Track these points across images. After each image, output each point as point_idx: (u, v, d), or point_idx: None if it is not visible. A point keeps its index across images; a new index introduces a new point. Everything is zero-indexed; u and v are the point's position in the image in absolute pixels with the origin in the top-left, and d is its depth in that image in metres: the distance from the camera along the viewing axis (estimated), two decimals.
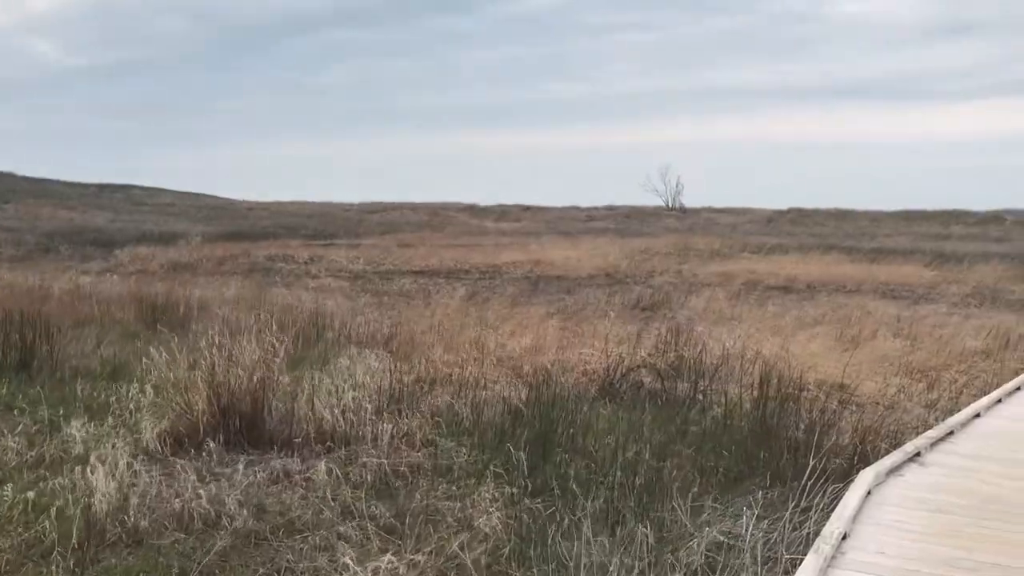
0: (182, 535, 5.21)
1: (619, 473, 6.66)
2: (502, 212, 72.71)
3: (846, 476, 6.53)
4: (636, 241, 41.69)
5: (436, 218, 65.88)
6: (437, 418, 7.16)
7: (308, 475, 6.08)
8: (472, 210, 73.64)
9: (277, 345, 6.96)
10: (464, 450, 6.77)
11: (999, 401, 8.50)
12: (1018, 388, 9.12)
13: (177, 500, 5.44)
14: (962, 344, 13.60)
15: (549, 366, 9.02)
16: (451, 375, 8.89)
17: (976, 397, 9.42)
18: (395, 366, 8.58)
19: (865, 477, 5.77)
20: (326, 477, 5.99)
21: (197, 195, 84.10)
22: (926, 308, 19.40)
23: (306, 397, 6.95)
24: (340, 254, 37.01)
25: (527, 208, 74.24)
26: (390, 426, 6.73)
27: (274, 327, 7.31)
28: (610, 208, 70.99)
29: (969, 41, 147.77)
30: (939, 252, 31.76)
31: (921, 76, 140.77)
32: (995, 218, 53.26)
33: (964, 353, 13.18)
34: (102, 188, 77.41)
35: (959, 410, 8.63)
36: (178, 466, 5.81)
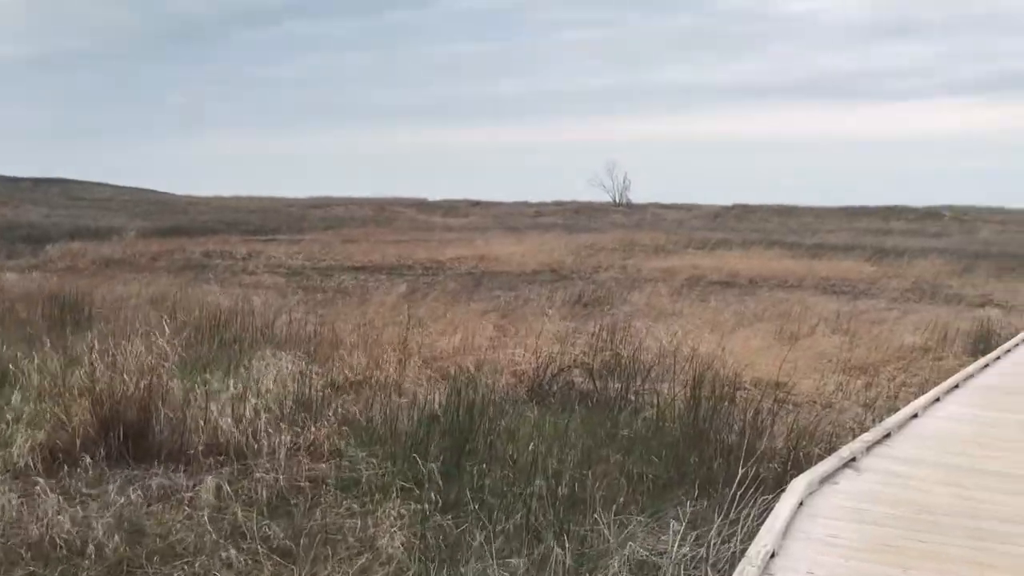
0: (39, 566, 4.62)
1: (541, 483, 6.23)
2: (450, 207, 72.14)
3: (780, 482, 6.18)
4: (583, 237, 41.52)
5: (382, 213, 65.01)
6: (344, 427, 6.62)
7: (195, 492, 5.52)
8: (420, 205, 72.95)
9: (168, 348, 6.37)
10: (375, 461, 6.27)
11: (937, 400, 8.25)
12: (956, 386, 8.90)
13: (36, 525, 4.85)
14: (901, 340, 13.47)
15: (473, 367, 8.56)
16: (370, 378, 8.36)
17: (915, 395, 9.21)
18: (309, 369, 8.03)
19: (797, 486, 5.40)
20: (214, 494, 5.44)
21: (137, 190, 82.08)
22: (866, 303, 19.37)
23: (199, 405, 6.37)
24: (280, 250, 36.20)
25: (476, 203, 73.77)
26: (290, 436, 6.19)
27: (167, 329, 6.71)
28: (559, 204, 70.82)
29: (912, 42, 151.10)
30: (879, 247, 32.06)
31: (865, 75, 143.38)
32: (933, 214, 54.24)
33: (903, 349, 13.05)
34: (37, 182, 75.07)
35: (898, 408, 8.39)
36: (38, 486, 5.20)
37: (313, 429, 6.63)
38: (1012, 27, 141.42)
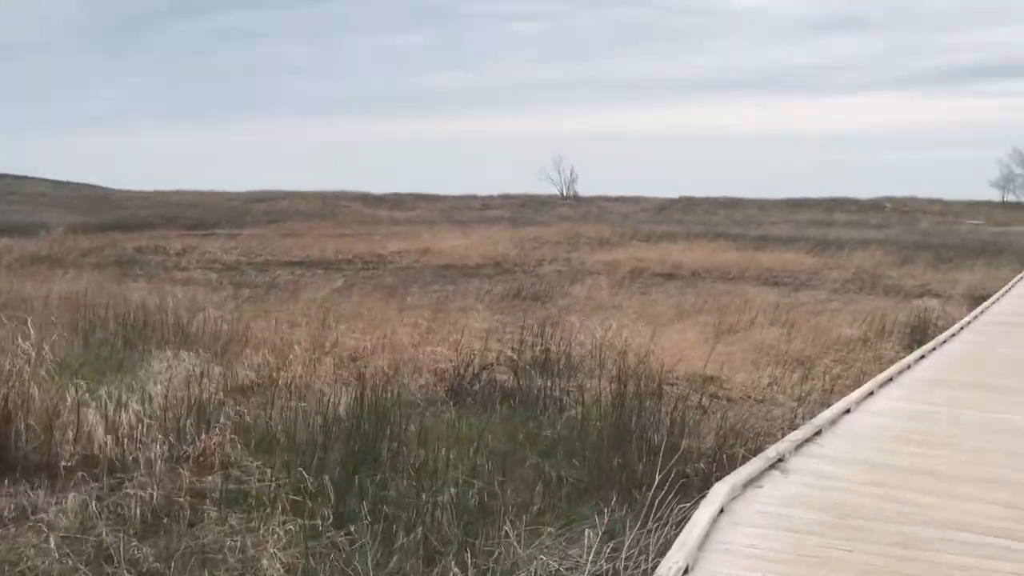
0: None
1: (451, 491, 5.78)
2: (397, 201, 71.31)
3: (707, 484, 5.81)
4: (529, 230, 41.18)
5: (327, 207, 63.95)
6: (239, 434, 6.08)
7: (56, 512, 4.95)
8: (366, 199, 71.95)
9: (32, 352, 5.77)
10: (269, 472, 5.75)
11: (871, 394, 7.99)
12: (890, 379, 8.66)
13: None
14: (839, 331, 13.29)
15: (388, 366, 8.07)
16: (277, 379, 7.82)
17: (850, 388, 8.96)
18: (208, 370, 7.47)
19: (718, 492, 5.02)
20: (78, 513, 4.89)
21: (75, 184, 79.76)
22: (807, 294, 19.28)
23: (70, 411, 5.78)
24: (216, 245, 35.27)
25: (422, 197, 73.00)
26: (172, 446, 5.65)
27: (32, 331, 6.10)
28: (506, 197, 70.42)
29: (854, 36, 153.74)
30: (822, 239, 32.22)
31: (809, 69, 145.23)
32: (875, 205, 55.01)
33: (840, 341, 12.87)
34: None
35: (832, 403, 8.13)
36: None
37: (204, 437, 6.09)
38: (948, 22, 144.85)
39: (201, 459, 5.96)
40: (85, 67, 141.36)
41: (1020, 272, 22.73)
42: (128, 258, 29.90)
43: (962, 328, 12.51)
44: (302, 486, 5.44)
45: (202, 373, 7.34)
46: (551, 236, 37.78)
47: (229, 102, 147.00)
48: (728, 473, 5.72)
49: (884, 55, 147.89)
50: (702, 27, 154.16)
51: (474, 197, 71.97)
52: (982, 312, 14.45)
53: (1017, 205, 58.42)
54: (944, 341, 11.25)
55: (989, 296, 17.36)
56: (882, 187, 58.58)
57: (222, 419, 6.29)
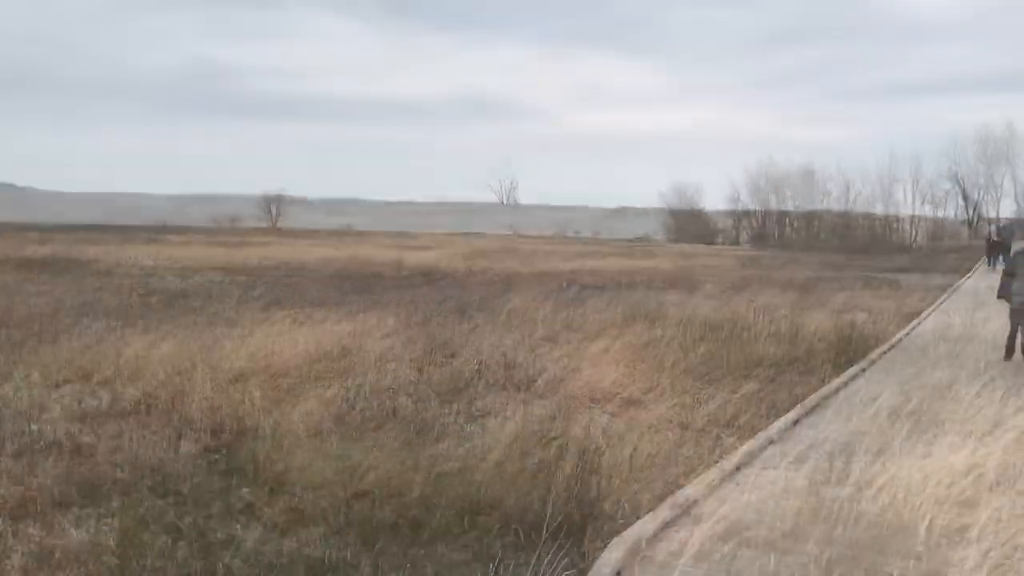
0: None
1: (319, 545, 4.97)
2: (335, 205, 70.25)
3: (615, 531, 5.10)
4: (466, 237, 40.59)
5: (264, 210, 62.54)
6: (42, 480, 5.16)
7: None
8: (303, 203, 70.69)
9: None
10: (92, 523, 4.85)
11: (796, 423, 7.38)
12: (817, 405, 8.08)
13: None
14: (766, 349, 12.74)
15: (265, 392, 7.19)
16: (141, 406, 6.89)
17: (783, 412, 8.37)
18: (50, 397, 6.52)
19: (612, 553, 4.30)
20: None
21: None
22: (742, 303, 18.81)
23: None
24: (138, 249, 33.95)
25: (360, 202, 72.00)
26: None
27: None
28: (444, 204, 69.77)
29: (797, 50, 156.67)
30: (757, 248, 32.08)
31: (754, 81, 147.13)
32: (812, 217, 55.58)
33: (773, 357, 12.32)
34: None
35: (761, 427, 7.53)
36: None
37: (26, 480, 5.17)
38: (888, 38, 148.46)
39: (22, 508, 5.04)
40: (21, 63, 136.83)
41: (952, 285, 22.72)
42: (37, 263, 28.40)
43: (892, 347, 12.11)
44: (136, 539, 4.57)
45: (39, 402, 6.39)
46: (488, 244, 37.20)
47: (172, 101, 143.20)
48: (635, 521, 5.03)
49: (826, 69, 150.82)
50: (658, 35, 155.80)
51: (411, 203, 71.18)
52: (911, 330, 14.11)
53: (948, 221, 59.55)
54: (873, 361, 10.79)
55: (919, 313, 17.13)
56: (820, 199, 59.02)
57: (51, 460, 5.36)
